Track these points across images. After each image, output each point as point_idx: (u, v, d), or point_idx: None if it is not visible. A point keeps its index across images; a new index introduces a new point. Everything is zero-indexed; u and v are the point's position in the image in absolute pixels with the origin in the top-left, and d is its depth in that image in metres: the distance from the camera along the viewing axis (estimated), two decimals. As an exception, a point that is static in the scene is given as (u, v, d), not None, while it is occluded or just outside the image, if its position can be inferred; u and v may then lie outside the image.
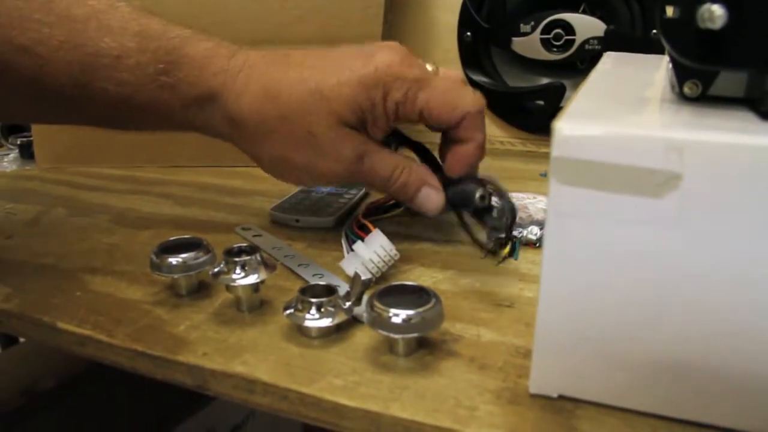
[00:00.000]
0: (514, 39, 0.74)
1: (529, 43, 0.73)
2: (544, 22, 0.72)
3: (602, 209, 0.28)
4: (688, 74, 0.33)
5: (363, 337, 0.38)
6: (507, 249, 0.48)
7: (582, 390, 0.31)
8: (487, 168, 0.69)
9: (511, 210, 0.46)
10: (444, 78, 0.48)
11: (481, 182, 0.47)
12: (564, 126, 0.28)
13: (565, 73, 0.73)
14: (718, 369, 0.28)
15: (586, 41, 0.71)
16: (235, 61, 0.48)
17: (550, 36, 0.72)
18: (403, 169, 0.48)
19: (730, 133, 0.26)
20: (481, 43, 0.76)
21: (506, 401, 0.32)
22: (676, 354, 0.29)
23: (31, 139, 0.79)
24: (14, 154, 0.84)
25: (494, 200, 0.47)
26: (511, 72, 0.77)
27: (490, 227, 0.46)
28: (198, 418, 0.88)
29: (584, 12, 0.71)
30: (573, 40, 0.71)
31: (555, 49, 0.72)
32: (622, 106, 0.33)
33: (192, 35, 0.48)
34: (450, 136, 0.49)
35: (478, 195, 0.46)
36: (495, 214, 0.46)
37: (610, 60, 0.51)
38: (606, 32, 0.70)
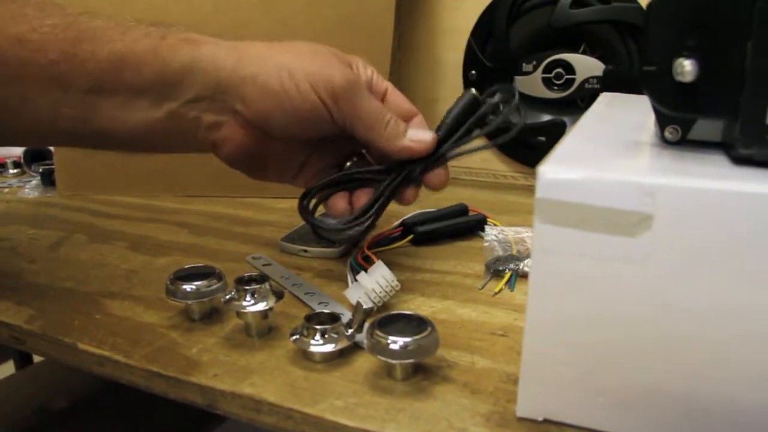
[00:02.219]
0: (517, 77, 0.77)
1: (531, 82, 0.76)
2: (546, 61, 0.75)
3: (582, 246, 0.30)
4: (668, 120, 0.36)
5: (364, 363, 0.40)
6: (504, 280, 0.51)
7: (565, 414, 0.34)
8: (491, 201, 0.72)
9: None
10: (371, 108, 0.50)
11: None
12: (547, 170, 0.30)
13: (566, 111, 0.76)
14: (689, 394, 0.31)
15: (586, 80, 0.74)
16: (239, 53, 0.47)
17: (551, 75, 0.75)
18: (388, 110, 0.49)
19: (697, 178, 0.29)
20: (485, 81, 0.79)
21: (495, 424, 0.34)
22: (651, 381, 0.31)
23: (53, 167, 0.83)
24: (36, 181, 0.87)
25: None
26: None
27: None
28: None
29: (584, 52, 0.74)
30: (573, 79, 0.74)
31: (556, 88, 0.75)
32: (604, 150, 0.35)
33: (198, 59, 0.46)
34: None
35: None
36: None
37: (604, 101, 0.54)
38: (605, 72, 0.73)
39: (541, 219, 0.31)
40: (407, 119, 0.51)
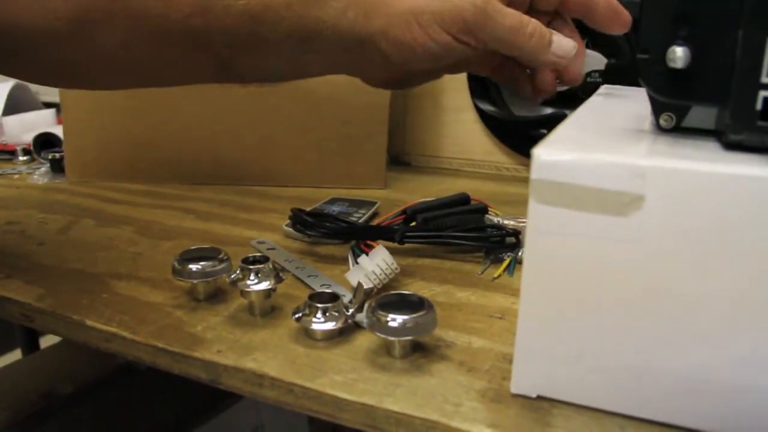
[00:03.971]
0: (521, 71, 0.77)
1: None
2: (549, 55, 0.76)
3: (575, 226, 0.31)
4: (663, 108, 0.37)
5: (363, 341, 0.41)
6: (504, 266, 0.52)
7: (558, 391, 0.35)
8: (494, 192, 0.73)
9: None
10: None
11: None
12: (542, 152, 0.31)
13: (569, 104, 0.77)
14: (679, 373, 0.32)
15: (589, 74, 0.75)
16: None
17: (554, 69, 0.76)
18: (530, 19, 0.47)
19: (687, 161, 0.30)
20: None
21: (489, 399, 0.35)
22: (642, 359, 0.32)
23: (62, 154, 0.84)
24: (45, 168, 0.89)
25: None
26: (516, 102, 0.80)
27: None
28: (214, 424, 0.91)
29: (587, 46, 0.75)
30: (576, 73, 0.75)
31: (558, 81, 0.76)
32: (599, 135, 0.36)
33: None
34: (577, 8, 0.52)
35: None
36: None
37: (604, 92, 0.55)
38: (607, 66, 0.74)
39: (535, 199, 0.32)
40: (556, 12, 0.51)
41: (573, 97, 0.76)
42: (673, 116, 0.37)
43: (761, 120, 0.32)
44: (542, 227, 0.32)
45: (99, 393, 0.90)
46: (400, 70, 0.49)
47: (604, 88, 0.58)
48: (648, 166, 0.30)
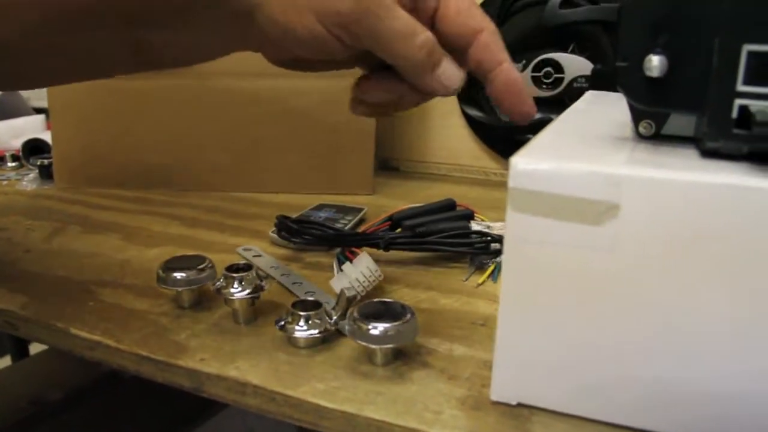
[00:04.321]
0: (507, 76, 0.78)
1: (521, 81, 0.77)
2: (535, 60, 0.76)
3: (552, 235, 0.32)
4: (642, 115, 0.37)
5: (346, 349, 0.41)
6: (488, 273, 0.52)
7: (537, 398, 0.35)
8: (481, 198, 0.73)
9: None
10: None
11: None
12: (519, 160, 0.32)
13: (555, 109, 0.77)
14: (657, 380, 0.32)
15: (575, 79, 0.75)
16: None
17: (541, 74, 0.76)
18: (424, 31, 0.40)
19: (661, 169, 0.30)
20: (476, 79, 0.80)
21: (469, 407, 0.35)
22: (620, 367, 0.32)
23: (51, 160, 0.84)
24: (34, 174, 0.89)
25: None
26: (504, 107, 0.81)
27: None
28: (203, 429, 0.91)
29: (573, 52, 0.76)
30: (562, 78, 0.75)
31: (545, 86, 0.77)
32: (578, 143, 0.37)
33: None
34: (475, 66, 0.44)
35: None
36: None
37: (587, 99, 0.55)
38: (593, 71, 0.74)
39: (513, 208, 0.32)
40: (466, 41, 0.43)
41: (560, 102, 0.77)
42: (653, 124, 0.37)
43: (737, 128, 0.32)
44: (520, 235, 0.32)
45: (88, 399, 0.90)
46: (288, 51, 0.43)
47: (588, 95, 0.58)
48: (623, 175, 0.30)
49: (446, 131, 0.84)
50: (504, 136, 0.81)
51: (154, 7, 0.43)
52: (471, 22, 0.42)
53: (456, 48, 0.42)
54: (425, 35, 0.40)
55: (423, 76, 0.42)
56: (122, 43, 0.45)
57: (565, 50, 0.76)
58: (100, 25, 0.44)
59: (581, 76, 0.75)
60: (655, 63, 0.32)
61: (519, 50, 0.77)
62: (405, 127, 0.87)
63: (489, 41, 0.43)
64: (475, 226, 0.58)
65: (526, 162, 0.31)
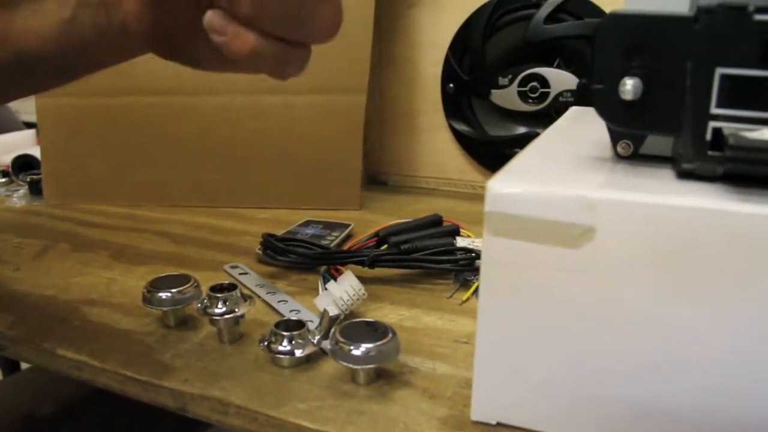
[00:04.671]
0: (493, 91, 0.78)
1: (507, 95, 0.78)
2: (521, 75, 0.77)
3: (528, 257, 0.32)
4: (620, 136, 0.38)
5: (329, 368, 0.42)
6: (472, 289, 0.52)
7: (517, 418, 0.35)
8: (468, 212, 0.73)
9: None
10: None
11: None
12: (495, 184, 0.32)
13: (541, 123, 0.77)
14: (634, 399, 0.32)
15: (560, 94, 0.76)
16: None
17: (527, 88, 0.77)
18: None
19: (635, 192, 0.30)
20: (462, 94, 0.81)
21: (450, 427, 0.36)
22: (597, 386, 0.33)
23: (41, 176, 0.84)
24: (24, 190, 0.89)
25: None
26: (491, 121, 0.81)
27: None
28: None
29: (559, 66, 0.76)
30: (548, 93, 0.76)
31: (531, 101, 0.77)
32: (557, 165, 0.37)
33: None
34: None
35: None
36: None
37: (570, 116, 0.56)
38: (578, 86, 0.75)
39: (490, 231, 0.32)
40: None
41: (546, 116, 0.77)
42: (630, 144, 0.38)
43: (711, 150, 0.32)
44: (496, 258, 0.33)
45: (79, 414, 0.90)
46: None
47: (572, 111, 0.58)
48: (598, 199, 0.30)
49: (434, 145, 0.85)
50: (491, 150, 0.81)
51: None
52: None
53: None
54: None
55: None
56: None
57: (550, 65, 0.76)
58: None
59: (567, 91, 0.75)
60: (628, 87, 0.33)
61: (505, 65, 0.78)
62: (393, 141, 0.87)
63: None
64: (460, 241, 0.58)
65: (501, 186, 0.32)
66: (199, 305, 0.45)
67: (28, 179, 0.87)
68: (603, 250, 0.31)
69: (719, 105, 0.32)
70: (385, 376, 0.40)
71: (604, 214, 0.30)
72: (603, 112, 0.36)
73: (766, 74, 0.31)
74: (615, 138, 0.38)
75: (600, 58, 0.35)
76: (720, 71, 0.32)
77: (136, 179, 0.80)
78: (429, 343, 0.45)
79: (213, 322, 0.45)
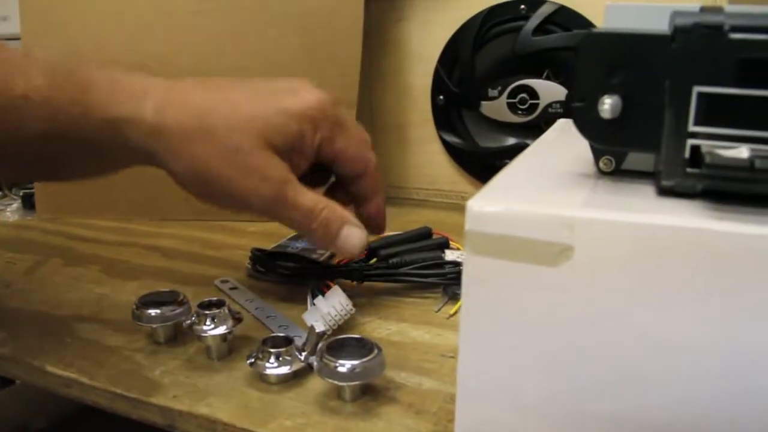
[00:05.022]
0: (483, 103, 0.79)
1: (496, 107, 0.78)
2: (510, 87, 0.77)
3: (509, 276, 0.32)
4: (602, 152, 0.38)
5: (316, 384, 0.42)
6: (459, 304, 0.52)
7: (501, 433, 0.36)
8: (459, 224, 0.73)
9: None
10: (358, 128, 0.50)
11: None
12: (475, 203, 0.32)
13: (531, 134, 0.78)
14: (615, 416, 0.33)
15: (549, 105, 0.76)
16: (153, 85, 0.46)
17: (516, 100, 0.77)
18: (325, 205, 0.47)
19: (614, 211, 0.31)
20: (452, 106, 0.82)
21: (435, 442, 0.36)
22: (579, 404, 0.33)
23: (33, 190, 0.84)
24: (17, 204, 0.89)
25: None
26: (481, 133, 0.82)
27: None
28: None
29: (548, 78, 0.77)
30: (537, 104, 0.76)
31: (520, 112, 0.78)
32: (539, 182, 0.37)
33: (104, 66, 0.47)
34: (354, 191, 0.52)
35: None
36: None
37: (557, 128, 0.56)
38: (567, 97, 0.75)
39: (470, 250, 0.33)
40: (359, 174, 0.51)
41: (535, 127, 0.78)
42: (612, 160, 0.38)
43: (690, 167, 0.33)
44: (477, 276, 0.33)
45: (72, 428, 0.90)
46: None
47: (560, 123, 0.59)
48: (576, 218, 0.31)
49: (424, 157, 0.85)
50: (482, 162, 0.82)
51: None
52: (363, 165, 0.50)
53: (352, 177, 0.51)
54: (323, 215, 0.47)
55: (326, 245, 0.49)
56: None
57: (539, 76, 0.77)
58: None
59: (556, 102, 0.76)
60: (606, 106, 0.33)
61: (494, 77, 0.78)
62: (384, 152, 0.88)
63: (374, 175, 0.51)
64: (449, 254, 0.59)
65: (481, 205, 0.32)
66: (187, 322, 0.45)
67: (21, 193, 0.88)
68: (581, 268, 0.31)
69: (697, 123, 0.32)
70: (371, 392, 0.41)
71: (582, 233, 0.31)
72: (583, 130, 0.36)
73: (742, 92, 0.31)
74: (597, 154, 0.38)
75: (580, 76, 0.35)
76: (697, 89, 0.32)
77: (128, 193, 0.80)
78: (416, 358, 0.45)
79: (201, 339, 0.45)
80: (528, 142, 0.78)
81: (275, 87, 0.48)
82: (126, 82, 0.46)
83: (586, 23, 0.74)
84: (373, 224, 0.53)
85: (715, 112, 0.32)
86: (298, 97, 0.47)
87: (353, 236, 0.48)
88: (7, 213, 0.86)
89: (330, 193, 0.53)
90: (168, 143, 0.45)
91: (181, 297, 0.48)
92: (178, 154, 0.46)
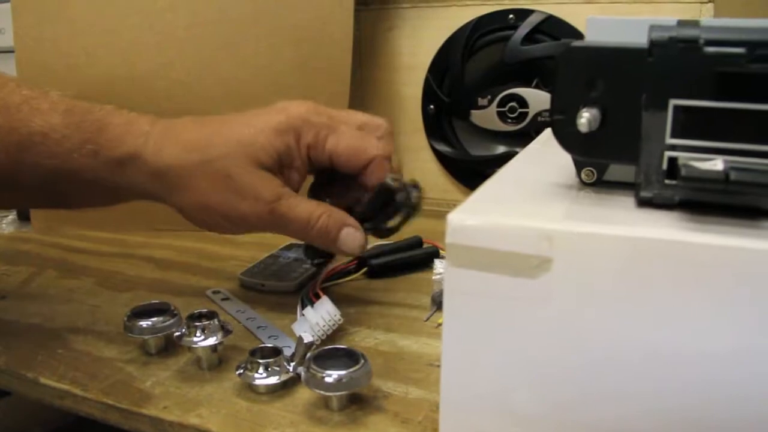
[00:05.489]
0: (473, 111, 0.80)
1: (486, 116, 0.79)
2: (500, 96, 0.78)
3: (489, 287, 0.33)
4: (583, 164, 0.39)
5: (304, 394, 0.43)
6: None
7: (484, 442, 0.36)
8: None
9: (416, 187, 0.54)
10: (351, 125, 0.51)
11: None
12: (455, 217, 0.33)
13: (520, 142, 0.78)
14: (596, 425, 0.33)
15: (539, 113, 0.77)
16: (155, 125, 0.50)
17: (506, 109, 0.78)
18: (321, 212, 0.49)
19: (592, 223, 0.31)
20: (443, 115, 0.83)
21: (420, 451, 0.37)
22: (558, 411, 0.34)
23: (28, 202, 0.85)
24: (12, 216, 0.90)
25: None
26: (471, 141, 0.83)
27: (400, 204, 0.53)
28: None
29: (537, 87, 0.78)
30: (526, 113, 0.77)
31: (510, 121, 0.78)
32: (520, 194, 0.38)
33: (115, 109, 0.51)
34: (362, 184, 0.52)
35: (389, 178, 0.51)
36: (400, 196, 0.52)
37: (543, 139, 0.57)
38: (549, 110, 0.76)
39: (451, 263, 0.33)
40: (358, 170, 0.51)
41: (525, 136, 0.79)
42: (594, 171, 0.39)
43: (668, 179, 0.34)
44: (458, 288, 0.34)
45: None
46: None
47: (547, 132, 0.60)
48: (554, 230, 0.31)
49: (415, 165, 0.86)
50: (472, 170, 0.82)
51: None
52: (362, 157, 0.50)
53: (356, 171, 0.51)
54: (320, 222, 0.49)
55: (327, 247, 0.51)
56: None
57: (528, 85, 0.78)
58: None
59: (545, 110, 0.77)
60: (583, 120, 0.34)
61: (484, 86, 0.79)
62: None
63: (380, 163, 0.51)
64: (438, 263, 0.59)
65: (461, 218, 0.33)
66: (177, 333, 0.46)
67: (16, 205, 0.88)
68: (560, 280, 0.32)
69: (674, 135, 0.33)
70: (358, 402, 0.41)
71: (560, 245, 0.31)
72: (564, 143, 0.37)
73: (718, 105, 0.32)
74: (579, 166, 0.39)
75: (559, 88, 0.36)
76: (674, 102, 0.33)
77: (122, 205, 0.81)
78: (403, 368, 0.45)
79: (192, 350, 0.46)
80: (518, 150, 0.78)
81: (267, 109, 0.50)
82: (135, 124, 0.49)
83: (574, 32, 0.75)
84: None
85: (691, 124, 0.33)
86: (284, 113, 0.49)
87: (351, 237, 0.50)
88: (3, 225, 0.87)
89: (327, 191, 0.55)
90: (169, 182, 0.49)
91: (172, 308, 0.49)
92: (179, 190, 0.49)
